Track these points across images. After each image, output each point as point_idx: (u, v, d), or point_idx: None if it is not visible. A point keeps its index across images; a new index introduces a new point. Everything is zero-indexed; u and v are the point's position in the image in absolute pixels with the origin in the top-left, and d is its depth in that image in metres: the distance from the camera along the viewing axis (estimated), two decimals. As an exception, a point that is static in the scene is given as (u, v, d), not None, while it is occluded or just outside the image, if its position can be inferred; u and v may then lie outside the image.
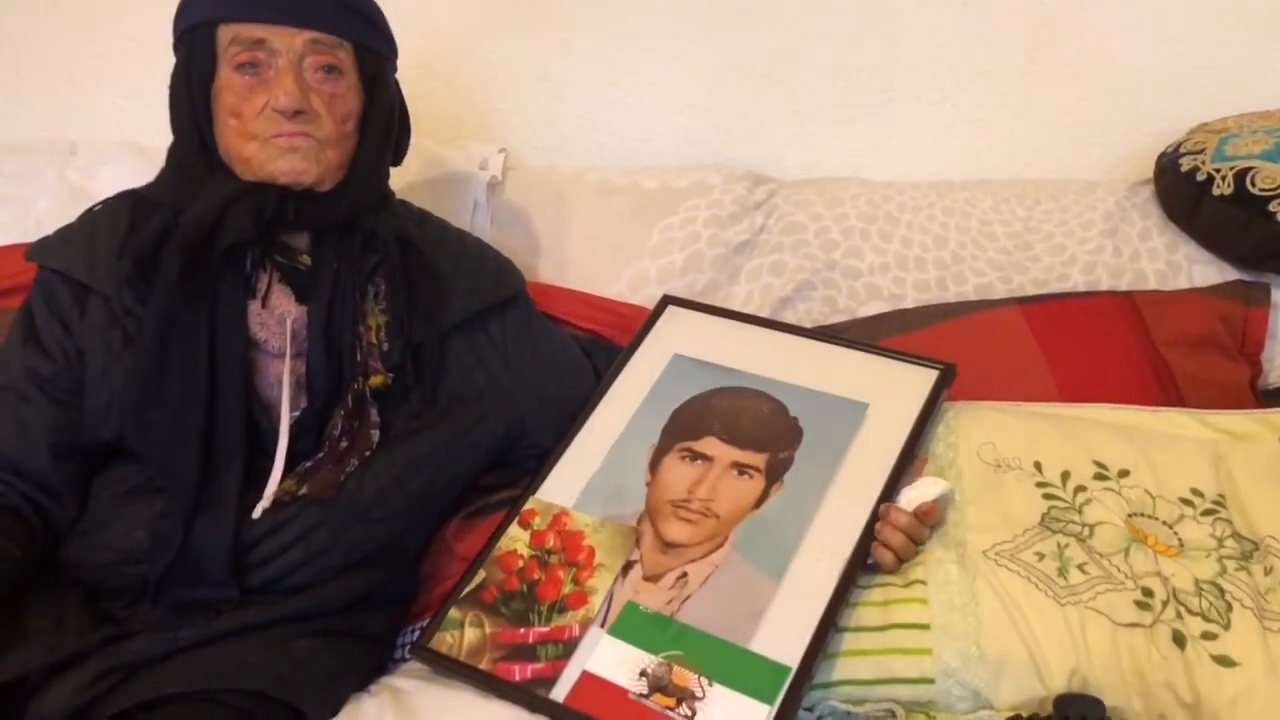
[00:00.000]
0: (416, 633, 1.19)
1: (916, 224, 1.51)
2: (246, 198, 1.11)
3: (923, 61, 1.66)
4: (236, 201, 1.10)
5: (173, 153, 1.18)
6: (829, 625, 1.04)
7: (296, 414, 1.14)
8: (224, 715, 0.97)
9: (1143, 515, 1.10)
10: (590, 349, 1.38)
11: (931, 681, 1.03)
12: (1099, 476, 1.13)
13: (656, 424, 1.23)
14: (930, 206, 1.53)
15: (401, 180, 1.51)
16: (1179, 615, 1.01)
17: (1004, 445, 1.17)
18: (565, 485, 1.21)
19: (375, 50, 1.16)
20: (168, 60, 1.16)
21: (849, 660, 1.05)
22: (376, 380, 1.15)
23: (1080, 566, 1.06)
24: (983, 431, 1.18)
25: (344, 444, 1.14)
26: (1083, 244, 1.49)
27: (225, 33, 1.10)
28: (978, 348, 1.34)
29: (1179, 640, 1.00)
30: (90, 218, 1.21)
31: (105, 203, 1.22)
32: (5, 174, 1.64)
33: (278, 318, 1.15)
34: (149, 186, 1.21)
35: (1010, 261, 1.48)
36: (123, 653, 1.02)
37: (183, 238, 1.09)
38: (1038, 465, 1.15)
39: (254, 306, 1.14)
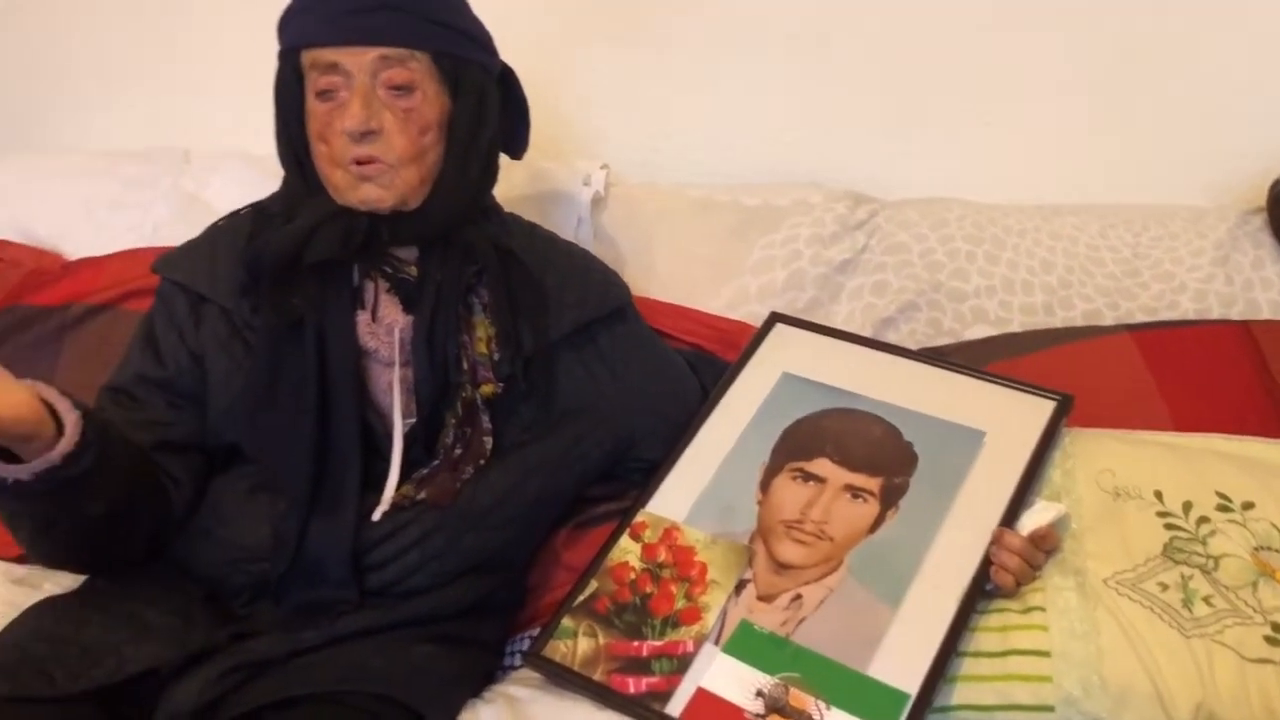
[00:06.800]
0: (525, 641, 1.20)
1: (1023, 247, 1.49)
2: (336, 221, 1.13)
3: (1024, 84, 1.65)
4: (326, 224, 1.13)
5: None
6: (948, 655, 1.03)
7: (412, 420, 1.16)
8: (350, 717, 0.99)
9: (1269, 549, 1.08)
10: (695, 363, 1.38)
11: (1051, 709, 1.01)
12: (1222, 508, 1.11)
13: (766, 442, 1.24)
14: (1036, 230, 1.51)
15: (507, 195, 1.53)
16: (1311, 653, 0.99)
17: (1123, 473, 1.15)
18: (675, 499, 1.22)
19: (453, 54, 1.14)
20: (271, 72, 1.18)
21: (967, 685, 1.04)
22: (487, 389, 1.17)
23: (1206, 599, 1.04)
24: (1101, 459, 1.17)
25: (458, 451, 1.16)
26: (1193, 271, 1.47)
27: (306, 58, 1.12)
28: (1089, 374, 1.32)
29: (1312, 679, 0.98)
30: (213, 232, 1.24)
31: (230, 216, 1.25)
32: (123, 180, 1.69)
33: (386, 327, 1.17)
34: (271, 197, 1.24)
35: (1118, 288, 1.46)
36: (249, 651, 1.04)
37: (271, 256, 1.12)
38: (1158, 494, 1.13)
39: (364, 317, 1.16)
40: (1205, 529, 1.10)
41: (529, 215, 1.38)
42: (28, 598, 1.17)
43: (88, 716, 0.97)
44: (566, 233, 1.55)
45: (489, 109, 1.18)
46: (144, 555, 1.12)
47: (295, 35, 1.13)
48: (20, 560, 1.30)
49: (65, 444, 0.95)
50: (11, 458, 0.95)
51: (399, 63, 1.10)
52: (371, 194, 1.12)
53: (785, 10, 1.67)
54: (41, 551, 1.07)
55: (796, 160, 1.73)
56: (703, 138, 1.75)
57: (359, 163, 1.11)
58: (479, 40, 1.18)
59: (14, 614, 1.07)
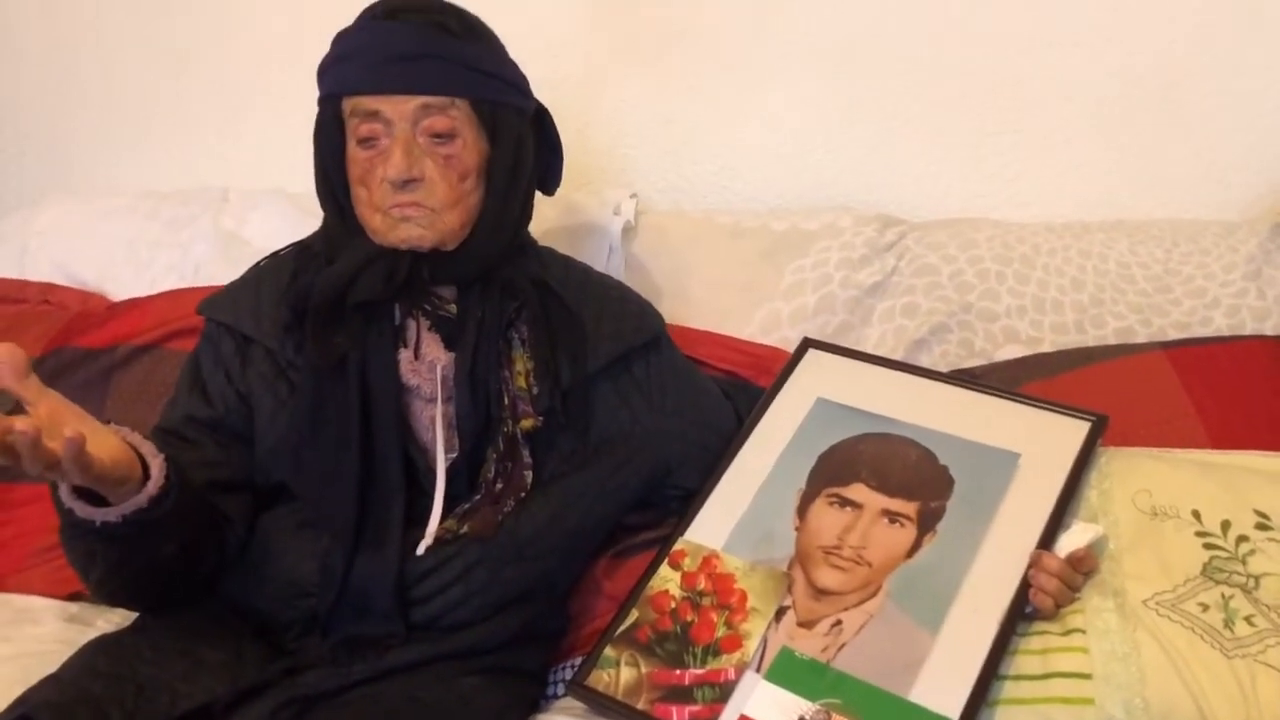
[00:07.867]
0: (568, 670, 1.22)
1: (1053, 266, 1.50)
2: (379, 262, 1.15)
3: (1051, 101, 1.66)
4: (369, 265, 1.15)
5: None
6: (989, 678, 1.03)
7: (454, 455, 1.18)
8: (400, 750, 1.01)
9: (1311, 568, 1.08)
10: (730, 390, 1.40)
11: (1093, 732, 1.02)
12: (1261, 527, 1.11)
13: (803, 468, 1.25)
14: (1066, 249, 1.52)
15: (539, 228, 1.56)
16: (1355, 672, 0.99)
17: (1160, 493, 1.15)
18: (713, 527, 1.23)
19: (492, 100, 1.16)
20: (306, 110, 1.21)
21: (1008, 709, 1.04)
22: (527, 423, 1.18)
23: (1247, 618, 1.04)
24: (1137, 478, 1.17)
25: (499, 485, 1.18)
26: (1225, 287, 1.46)
27: (347, 105, 1.15)
28: (1123, 393, 1.32)
29: (1356, 698, 0.98)
30: (256, 272, 1.27)
31: (272, 256, 1.28)
32: (163, 220, 1.73)
33: (428, 364, 1.19)
34: (312, 236, 1.26)
35: (1150, 304, 1.46)
36: (300, 685, 1.06)
37: (316, 297, 1.15)
38: (1196, 514, 1.13)
39: (406, 355, 1.18)
40: (1245, 548, 1.10)
41: (560, 247, 1.40)
42: (81, 635, 1.20)
43: (143, 753, 0.99)
44: (598, 263, 1.58)
45: (526, 151, 1.20)
46: (198, 593, 1.14)
47: (336, 83, 1.15)
48: (73, 598, 1.33)
49: (152, 486, 0.98)
50: (91, 499, 0.97)
51: (440, 111, 1.12)
52: (412, 233, 1.14)
53: (810, 34, 1.69)
54: (108, 590, 1.09)
55: (824, 184, 1.75)
56: (730, 163, 1.77)
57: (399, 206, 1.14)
58: (516, 84, 1.20)
59: (68, 651, 1.09)
